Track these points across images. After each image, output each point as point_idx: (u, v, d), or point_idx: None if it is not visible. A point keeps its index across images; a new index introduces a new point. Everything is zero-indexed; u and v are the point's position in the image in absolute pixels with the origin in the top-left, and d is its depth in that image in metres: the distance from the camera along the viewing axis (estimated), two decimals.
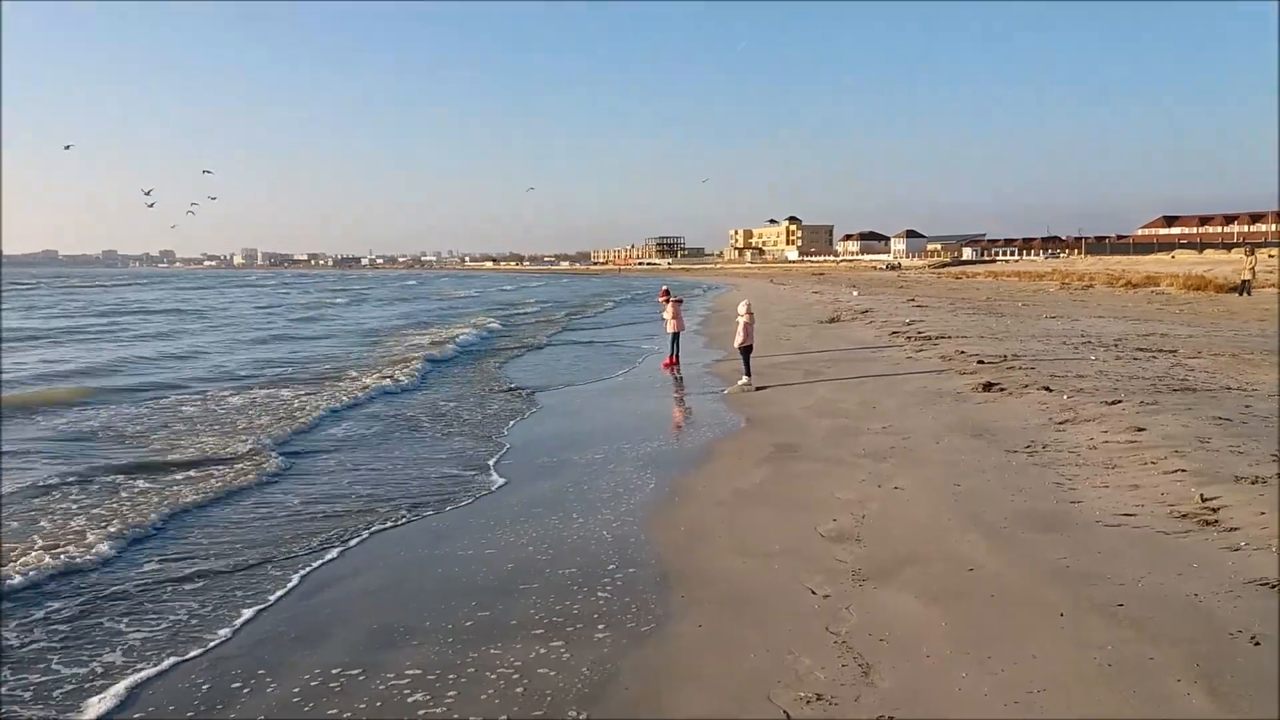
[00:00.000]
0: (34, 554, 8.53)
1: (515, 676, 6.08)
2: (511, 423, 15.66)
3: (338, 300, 74.74)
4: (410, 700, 5.83)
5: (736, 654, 6.18)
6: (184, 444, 13.84)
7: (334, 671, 6.26)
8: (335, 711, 5.73)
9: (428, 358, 25.29)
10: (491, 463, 12.58)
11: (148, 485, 11.15)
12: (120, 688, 6.10)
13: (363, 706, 5.77)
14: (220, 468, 12.09)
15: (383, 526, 9.68)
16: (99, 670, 6.40)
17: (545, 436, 14.52)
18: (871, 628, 6.38)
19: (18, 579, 7.89)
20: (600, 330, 38.90)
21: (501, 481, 11.49)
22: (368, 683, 6.08)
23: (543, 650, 6.47)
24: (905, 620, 6.49)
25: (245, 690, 6.06)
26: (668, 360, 22.87)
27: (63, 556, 8.43)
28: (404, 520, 9.90)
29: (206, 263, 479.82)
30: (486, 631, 6.85)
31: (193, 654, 6.65)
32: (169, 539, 9.30)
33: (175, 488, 11.08)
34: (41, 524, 9.63)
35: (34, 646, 6.77)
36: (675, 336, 23.09)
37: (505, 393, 19.35)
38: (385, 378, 20.98)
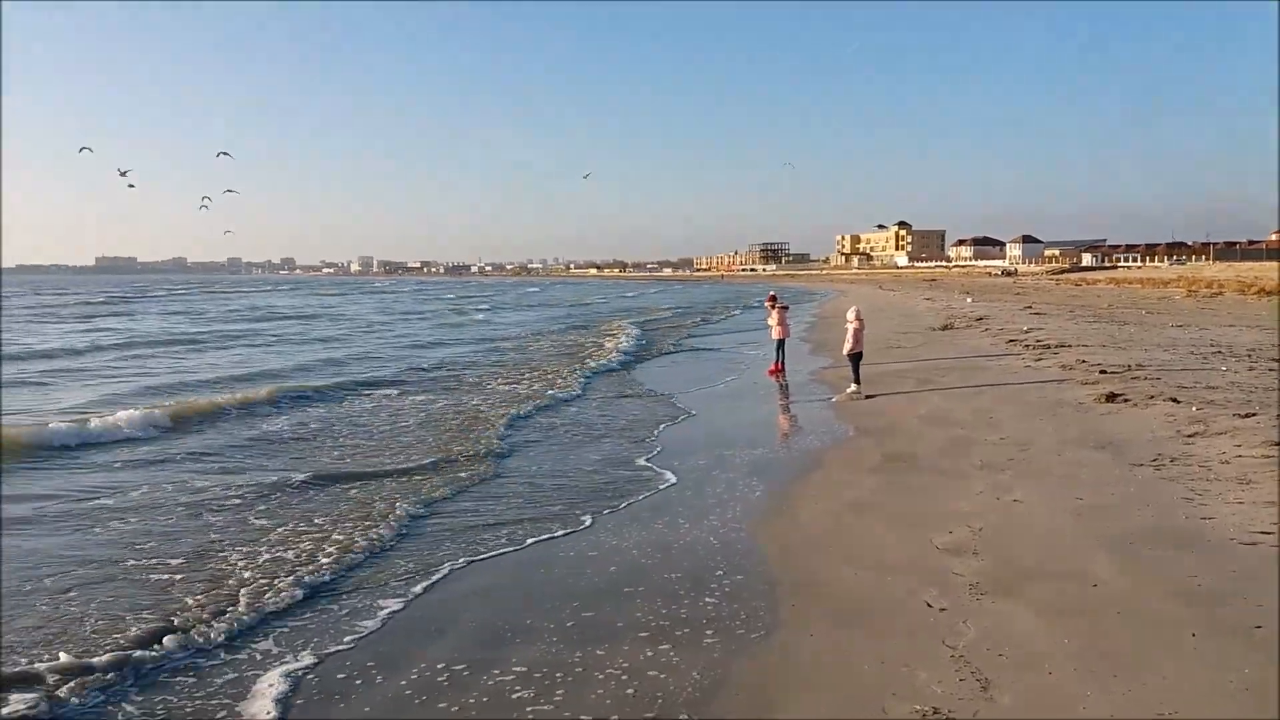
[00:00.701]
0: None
1: (625, 678, 6.13)
2: (660, 427, 15.82)
3: (480, 308, 75.36)
4: (515, 696, 5.96)
5: (850, 664, 6.10)
6: (389, 449, 14.17)
7: (439, 666, 6.45)
8: (445, 704, 5.89)
9: (591, 367, 25.60)
10: (644, 459, 13.10)
11: (359, 492, 11.39)
12: (275, 674, 6.42)
13: (471, 702, 5.91)
14: (418, 475, 12.26)
15: (552, 535, 9.75)
16: (257, 658, 6.72)
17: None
18: (990, 642, 6.21)
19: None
20: (718, 336, 38.94)
21: (673, 480, 11.75)
22: (475, 679, 6.23)
23: (651, 653, 6.51)
24: (1026, 636, 6.30)
25: (359, 683, 6.28)
26: (773, 367, 22.71)
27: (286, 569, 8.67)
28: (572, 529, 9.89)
29: (325, 270, 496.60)
30: (595, 633, 6.94)
31: (331, 649, 6.91)
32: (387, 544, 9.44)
33: (381, 491, 11.36)
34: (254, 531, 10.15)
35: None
36: (780, 343, 22.92)
37: (638, 398, 19.67)
38: (559, 386, 21.20)
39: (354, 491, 11.38)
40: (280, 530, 9.75)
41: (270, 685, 6.24)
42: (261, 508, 10.68)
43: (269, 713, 5.87)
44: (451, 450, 13.72)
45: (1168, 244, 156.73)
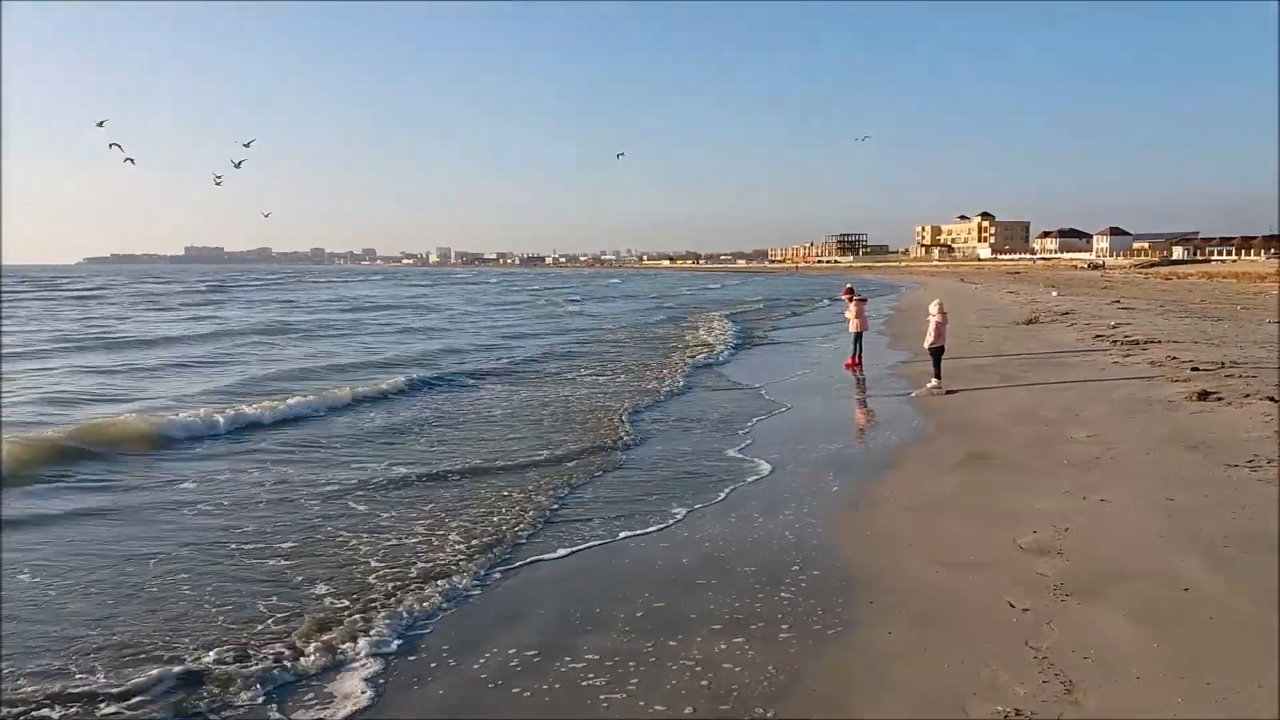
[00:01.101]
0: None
1: (698, 670, 6.14)
2: (754, 420, 15.79)
3: (571, 299, 73.47)
4: (586, 684, 6.03)
5: (929, 663, 6.01)
6: (507, 439, 14.22)
7: (511, 651, 6.55)
8: (518, 690, 6.00)
9: (691, 360, 25.71)
10: (734, 451, 13.14)
11: (479, 485, 11.42)
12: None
13: (551, 688, 5.99)
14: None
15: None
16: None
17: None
18: (1075, 645, 6.07)
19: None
20: (806, 329, 38.72)
21: (761, 474, 11.72)
22: (548, 664, 6.33)
23: (724, 646, 6.51)
24: (1112, 639, 6.14)
25: (433, 665, 6.43)
26: (850, 360, 22.44)
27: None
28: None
29: (405, 260, 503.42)
30: (665, 624, 6.96)
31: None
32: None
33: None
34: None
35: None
36: (858, 336, 22.62)
37: (734, 390, 19.71)
38: (662, 379, 21.36)
39: (476, 484, 11.43)
40: (386, 515, 10.02)
41: (361, 664, 6.43)
42: (385, 499, 10.78)
43: (362, 691, 6.03)
44: (563, 443, 13.83)
45: (1265, 237, 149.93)
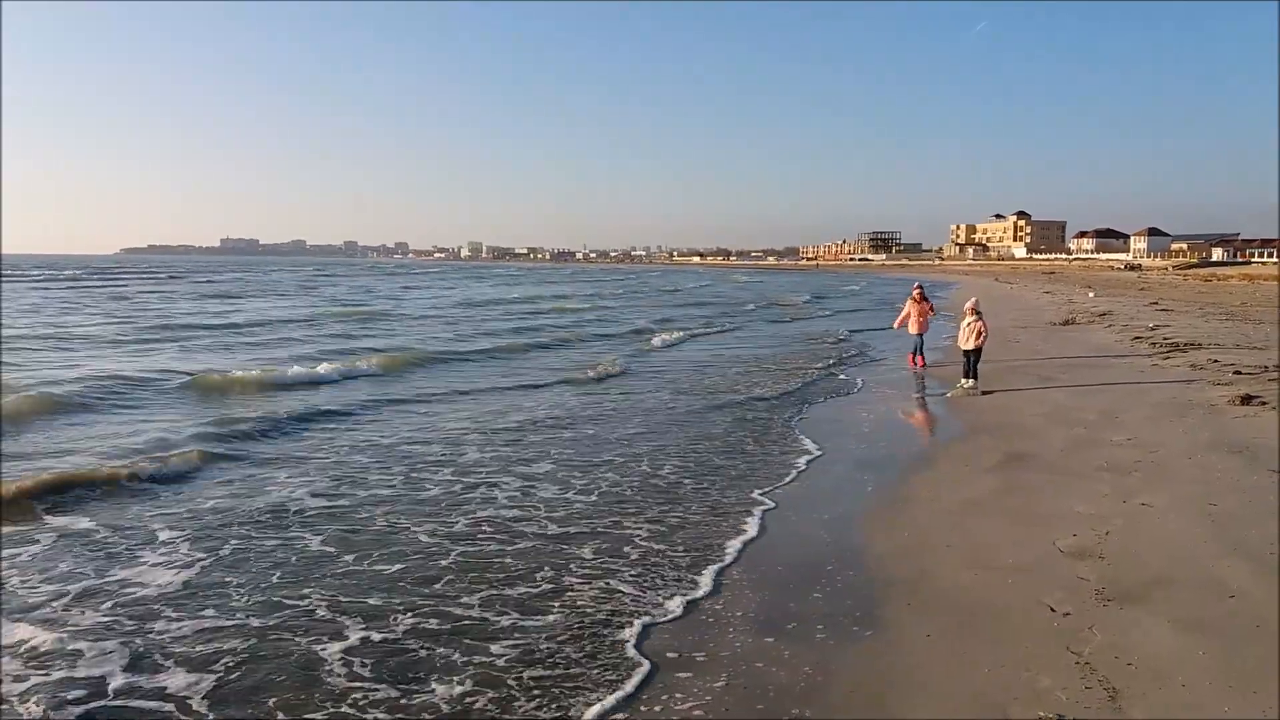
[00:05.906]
0: None
1: (730, 670, 6.11)
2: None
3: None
4: None
5: (968, 667, 5.94)
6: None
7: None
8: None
9: None
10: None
11: None
12: None
13: None
14: None
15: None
16: None
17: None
18: (1118, 651, 5.98)
19: None
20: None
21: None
22: None
23: (755, 643, 6.47)
24: (1156, 645, 6.04)
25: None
26: (910, 358, 21.87)
27: None
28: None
29: (436, 254, 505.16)
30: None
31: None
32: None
33: None
34: None
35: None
36: (920, 336, 21.93)
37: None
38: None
39: None
40: None
41: None
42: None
43: None
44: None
45: None
